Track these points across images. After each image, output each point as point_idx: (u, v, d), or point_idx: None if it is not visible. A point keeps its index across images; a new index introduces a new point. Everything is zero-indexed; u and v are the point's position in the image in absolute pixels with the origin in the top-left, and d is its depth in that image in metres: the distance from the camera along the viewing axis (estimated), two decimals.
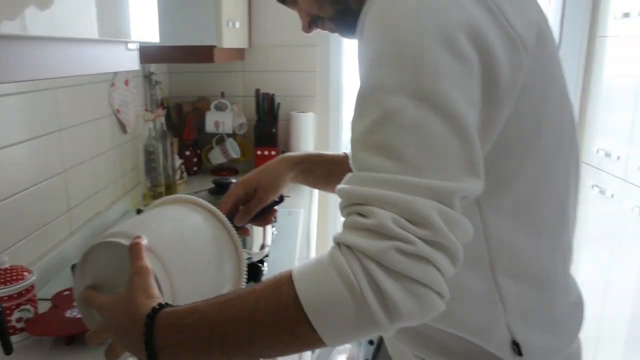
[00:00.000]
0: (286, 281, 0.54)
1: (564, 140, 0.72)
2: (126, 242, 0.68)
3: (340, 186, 0.57)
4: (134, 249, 0.66)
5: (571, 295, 0.78)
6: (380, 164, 0.53)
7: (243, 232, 0.92)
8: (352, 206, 0.55)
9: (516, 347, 0.70)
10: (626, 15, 2.05)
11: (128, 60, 0.92)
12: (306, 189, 1.90)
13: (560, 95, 0.70)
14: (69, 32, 0.64)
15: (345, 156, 1.03)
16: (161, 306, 0.60)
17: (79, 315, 0.97)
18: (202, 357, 0.57)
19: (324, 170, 1.01)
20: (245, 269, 0.82)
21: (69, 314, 1.00)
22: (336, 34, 0.86)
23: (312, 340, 0.52)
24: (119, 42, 0.86)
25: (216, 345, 0.56)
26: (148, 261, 0.65)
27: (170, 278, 0.68)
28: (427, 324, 0.72)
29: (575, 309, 0.79)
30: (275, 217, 1.36)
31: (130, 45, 0.91)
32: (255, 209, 0.92)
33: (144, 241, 0.67)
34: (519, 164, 0.65)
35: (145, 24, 0.92)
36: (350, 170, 1.00)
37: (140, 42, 0.93)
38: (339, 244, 0.54)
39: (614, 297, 2.12)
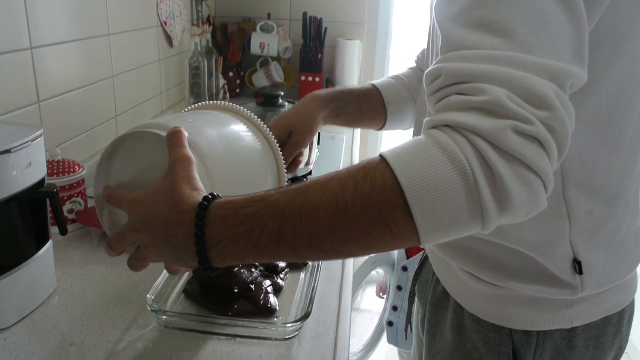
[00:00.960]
0: (379, 164, 0.46)
1: None
2: (163, 133, 0.58)
3: (433, 67, 0.51)
4: (175, 137, 0.57)
5: None
6: (485, 41, 0.47)
7: (289, 168, 0.89)
8: (451, 87, 0.48)
9: (577, 266, 0.67)
10: None
11: None
12: None
13: None
14: None
15: (375, 89, 0.99)
16: (214, 197, 0.52)
17: None
18: (264, 254, 0.49)
19: (354, 108, 0.96)
20: (284, 167, 0.75)
21: None
22: None
23: (405, 233, 0.45)
24: None
25: (286, 239, 0.48)
26: (188, 147, 0.57)
27: (210, 178, 0.59)
28: (480, 237, 0.70)
29: None
30: (319, 139, 1.34)
31: None
32: (292, 154, 0.89)
33: (185, 132, 0.58)
34: (606, 68, 0.61)
35: None
36: (379, 106, 0.97)
37: None
38: (437, 126, 0.47)
39: None
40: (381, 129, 1.02)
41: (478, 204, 0.44)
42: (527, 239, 0.67)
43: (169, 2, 1.71)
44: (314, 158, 1.27)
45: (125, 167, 0.62)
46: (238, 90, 2.21)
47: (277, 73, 2.12)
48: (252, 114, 0.75)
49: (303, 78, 2.14)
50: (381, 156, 0.48)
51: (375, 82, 1.02)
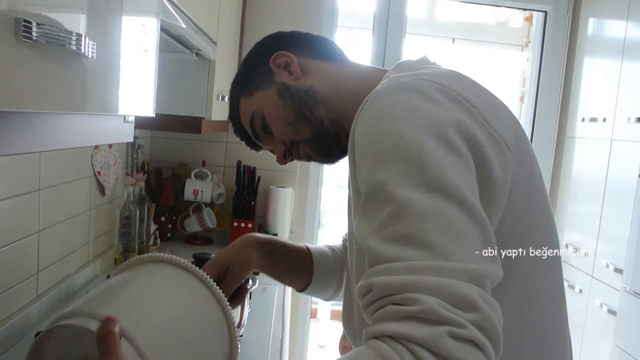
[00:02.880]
0: None
1: (552, 235, 0.75)
2: (93, 326, 0.52)
3: (363, 282, 0.55)
4: (106, 341, 0.50)
5: None
6: (405, 254, 0.52)
7: (233, 303, 0.89)
8: (385, 298, 0.52)
9: None
10: (593, 120, 2.18)
11: (124, 132, 0.93)
12: None
13: (543, 191, 0.74)
14: (69, 108, 0.63)
15: (307, 250, 1.02)
16: None
17: None
18: None
19: (285, 259, 0.99)
20: (238, 349, 0.70)
21: None
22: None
23: None
24: (118, 115, 0.87)
25: None
26: (123, 356, 0.51)
27: None
28: None
29: None
30: (250, 295, 1.34)
31: (128, 118, 0.92)
32: (232, 286, 0.90)
33: (116, 328, 0.52)
34: (517, 259, 0.67)
35: (143, 98, 0.94)
36: (307, 266, 1.00)
37: (137, 116, 0.95)
38: (377, 336, 0.51)
39: None
40: (302, 290, 1.02)
41: None
42: None
43: (104, 152, 1.74)
44: (245, 319, 1.26)
45: (57, 356, 0.57)
46: (169, 235, 2.20)
47: (210, 218, 2.14)
48: (189, 264, 0.69)
49: (235, 224, 2.16)
50: None
51: (310, 245, 1.05)
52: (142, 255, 0.72)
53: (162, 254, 0.71)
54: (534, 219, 0.70)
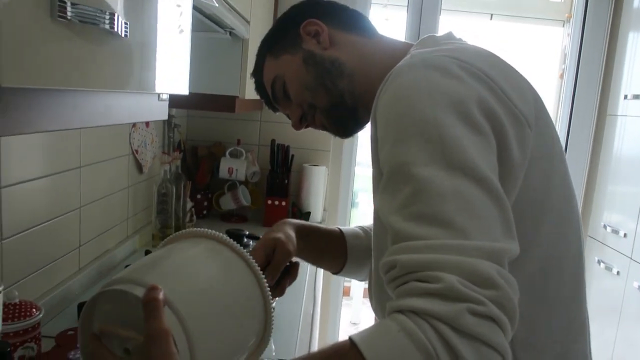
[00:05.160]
0: (349, 350, 0.52)
1: (572, 213, 0.74)
2: (139, 292, 0.57)
3: (387, 258, 0.57)
4: (150, 306, 0.55)
5: None
6: (427, 232, 0.54)
7: (278, 291, 0.90)
8: (408, 274, 0.54)
9: None
10: (637, 97, 2.11)
11: (159, 110, 0.95)
12: None
13: (563, 167, 0.73)
14: (104, 85, 0.65)
15: (341, 233, 1.04)
16: None
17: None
18: None
19: (320, 242, 1.01)
20: (273, 322, 0.73)
21: (71, 355, 1.00)
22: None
23: None
24: (152, 93, 0.89)
25: None
26: (166, 320, 0.55)
27: (190, 341, 0.57)
28: None
29: None
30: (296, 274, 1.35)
31: (162, 96, 0.94)
32: (282, 264, 0.89)
33: (161, 295, 0.56)
34: (532, 237, 0.67)
35: (177, 76, 0.96)
36: (341, 249, 1.02)
37: (171, 94, 0.97)
38: (401, 311, 0.53)
39: None
40: (338, 272, 1.04)
41: None
42: None
43: (141, 131, 1.78)
44: None
45: (106, 317, 0.61)
46: (205, 212, 2.25)
47: (245, 197, 2.17)
48: (235, 243, 0.71)
49: (269, 202, 2.19)
50: (351, 340, 0.52)
51: (342, 227, 1.07)
52: (182, 231, 0.75)
53: (201, 229, 0.73)
54: (551, 194, 0.70)
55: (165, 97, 0.95)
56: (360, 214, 3.65)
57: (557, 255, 0.71)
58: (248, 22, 1.64)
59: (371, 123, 0.69)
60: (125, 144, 1.69)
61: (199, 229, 0.74)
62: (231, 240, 0.71)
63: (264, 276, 0.71)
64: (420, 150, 0.58)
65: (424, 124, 0.59)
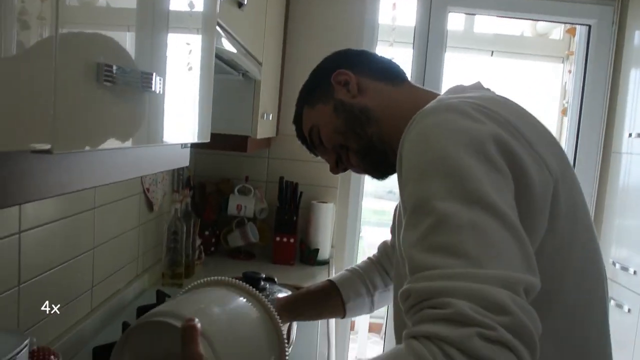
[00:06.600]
0: None
1: (597, 261, 0.75)
2: (178, 323, 0.64)
3: (405, 287, 0.58)
4: (188, 333, 0.63)
5: None
6: (443, 262, 0.56)
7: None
8: (422, 302, 0.56)
9: None
10: None
11: (182, 158, 0.97)
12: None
13: (587, 221, 0.75)
14: (137, 142, 0.66)
15: (334, 287, 1.14)
16: None
17: None
18: None
19: (311, 311, 1.15)
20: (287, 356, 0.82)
21: None
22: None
23: None
24: (177, 143, 0.91)
25: None
26: (200, 345, 0.63)
27: None
28: None
29: None
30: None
31: (186, 144, 0.96)
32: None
33: (198, 325, 0.64)
34: (557, 286, 0.68)
35: (202, 125, 0.97)
36: (337, 304, 1.12)
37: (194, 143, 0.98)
38: (414, 337, 0.54)
39: None
40: (344, 317, 1.16)
41: None
42: None
43: None
44: (293, 335, 1.28)
45: (140, 351, 0.68)
46: (212, 249, 2.24)
47: (253, 233, 2.17)
48: (255, 291, 0.82)
49: (278, 238, 2.19)
50: None
51: (333, 278, 1.16)
52: (205, 279, 0.84)
53: (227, 278, 0.84)
54: (576, 248, 0.71)
55: (188, 144, 0.97)
56: (366, 245, 3.65)
57: (581, 308, 0.72)
58: (260, 63, 1.67)
59: (397, 164, 0.72)
60: (137, 182, 1.70)
61: (220, 277, 0.84)
62: (254, 290, 0.82)
63: (280, 321, 0.81)
64: (441, 186, 0.60)
65: (444, 160, 0.62)
